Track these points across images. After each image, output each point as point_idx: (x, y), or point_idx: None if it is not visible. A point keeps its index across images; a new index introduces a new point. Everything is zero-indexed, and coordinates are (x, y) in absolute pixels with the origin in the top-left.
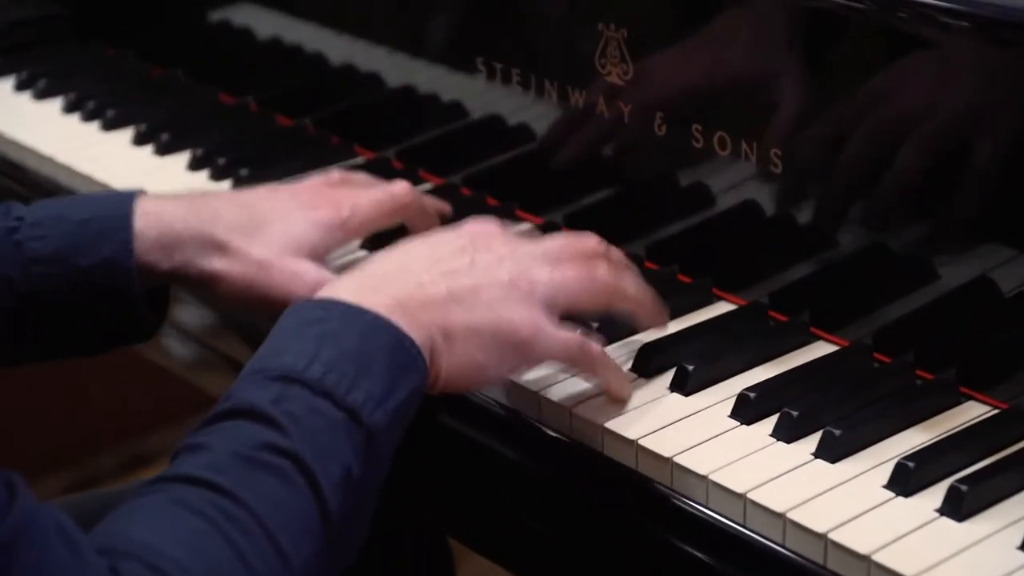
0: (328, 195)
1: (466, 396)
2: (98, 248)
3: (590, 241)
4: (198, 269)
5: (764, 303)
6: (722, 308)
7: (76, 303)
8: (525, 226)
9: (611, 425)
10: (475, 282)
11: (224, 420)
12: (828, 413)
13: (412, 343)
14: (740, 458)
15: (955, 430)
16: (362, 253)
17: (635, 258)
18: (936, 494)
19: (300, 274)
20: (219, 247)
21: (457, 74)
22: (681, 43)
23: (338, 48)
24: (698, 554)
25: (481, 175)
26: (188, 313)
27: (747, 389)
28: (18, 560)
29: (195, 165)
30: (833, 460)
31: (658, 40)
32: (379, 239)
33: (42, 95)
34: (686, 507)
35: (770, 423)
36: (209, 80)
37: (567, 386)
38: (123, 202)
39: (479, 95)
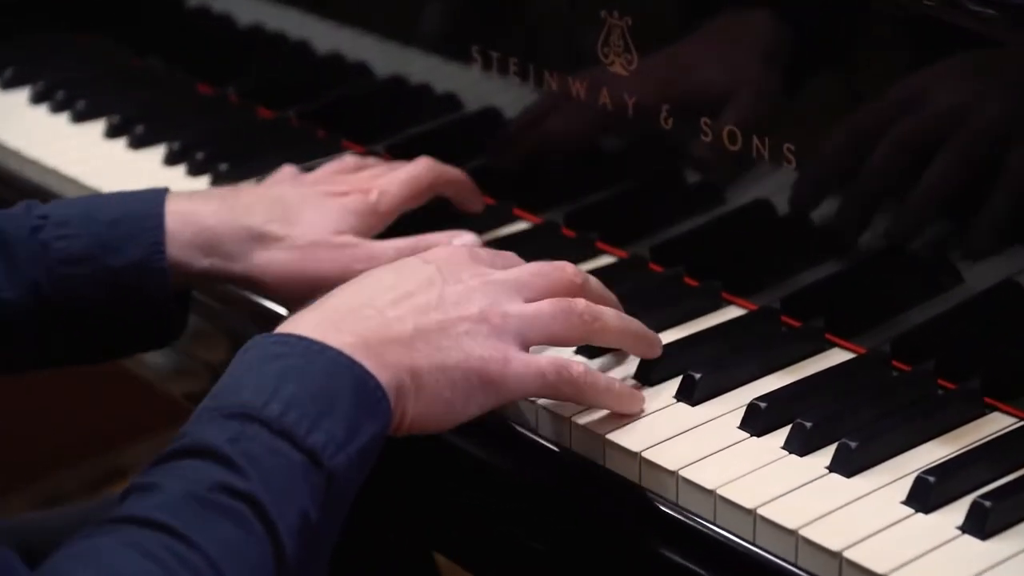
0: (351, 180)
1: None
2: (130, 248)
3: (566, 270)
4: (241, 264)
5: (776, 308)
6: (731, 313)
7: (105, 305)
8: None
9: (613, 436)
10: (444, 317)
11: (178, 459)
12: (844, 424)
13: (377, 384)
14: (750, 472)
15: (978, 443)
16: None
17: (639, 259)
18: (958, 511)
19: (351, 246)
20: (260, 239)
21: (451, 64)
22: (688, 31)
23: (324, 36)
24: (705, 574)
25: (476, 172)
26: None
27: (758, 399)
28: None
29: (171, 159)
30: (849, 474)
31: (664, 28)
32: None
33: (8, 85)
34: (692, 523)
35: (782, 435)
36: (187, 69)
37: None
38: (154, 200)
39: (474, 86)
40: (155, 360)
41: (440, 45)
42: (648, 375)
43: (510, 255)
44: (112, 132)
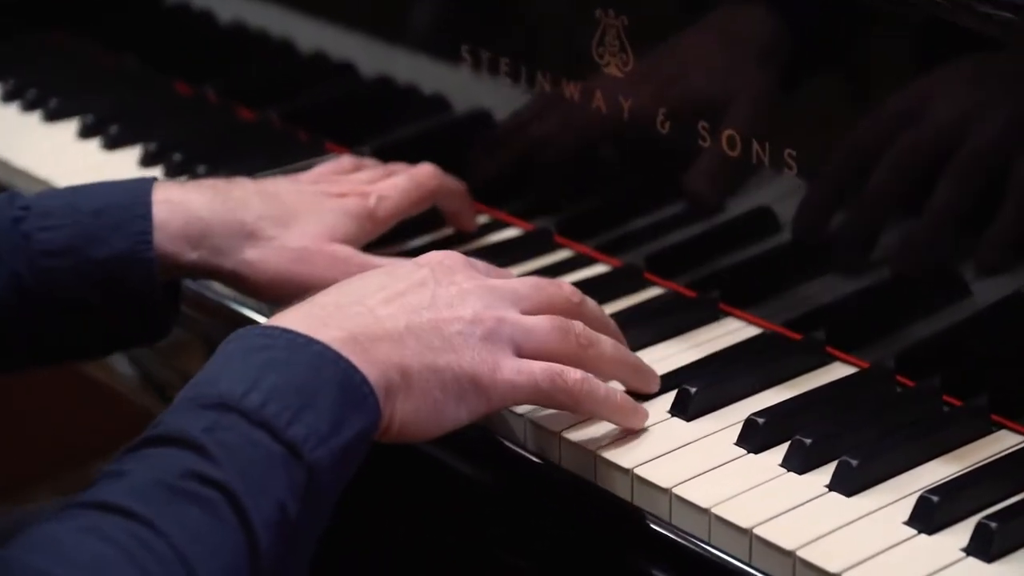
0: (350, 181)
1: None
2: (115, 239)
3: (564, 288)
4: (231, 259)
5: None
6: (730, 325)
7: (89, 299)
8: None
9: (604, 452)
10: (436, 317)
11: (150, 447)
12: (844, 441)
13: (364, 379)
14: (746, 490)
15: (985, 462)
16: None
17: (634, 269)
18: (963, 532)
19: (343, 258)
20: (252, 236)
21: (439, 64)
22: (686, 31)
23: (308, 34)
24: None
25: (464, 176)
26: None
27: (755, 414)
28: None
29: (147, 161)
30: (849, 493)
31: (661, 28)
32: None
33: None
34: (686, 543)
35: (780, 452)
36: (164, 67)
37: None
38: (140, 190)
39: (463, 87)
40: (128, 371)
41: (428, 44)
42: None
43: (506, 271)
44: (86, 132)
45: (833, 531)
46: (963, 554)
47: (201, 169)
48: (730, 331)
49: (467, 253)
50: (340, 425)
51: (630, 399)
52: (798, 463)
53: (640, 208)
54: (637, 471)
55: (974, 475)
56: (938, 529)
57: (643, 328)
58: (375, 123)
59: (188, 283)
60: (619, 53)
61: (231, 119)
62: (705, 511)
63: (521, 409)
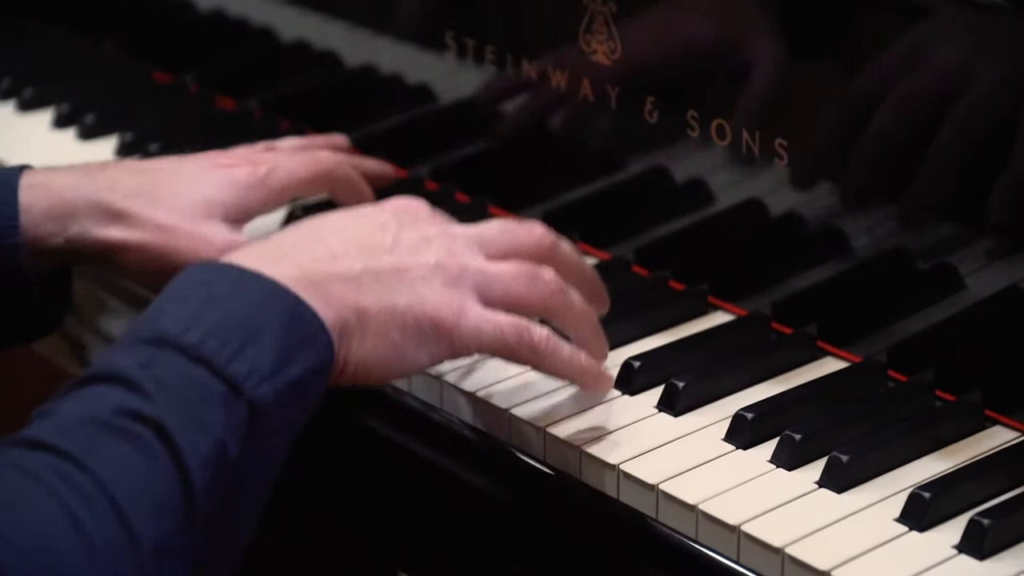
0: (247, 155)
1: (425, 413)
2: None
3: (535, 231)
4: (95, 239)
5: (766, 313)
6: (719, 318)
7: None
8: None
9: (590, 448)
10: (396, 260)
11: (84, 386)
12: (835, 437)
13: (315, 316)
14: (735, 486)
15: (978, 458)
16: None
17: (622, 261)
18: (955, 529)
19: (208, 237)
20: (117, 215)
21: (424, 52)
22: (674, 18)
23: (289, 21)
24: None
25: (450, 167)
26: (116, 323)
27: (744, 409)
28: None
29: (124, 151)
30: (839, 490)
31: (649, 14)
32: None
33: None
34: (673, 540)
35: (769, 447)
36: (142, 55)
37: (541, 403)
38: (6, 176)
39: (448, 76)
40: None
41: (412, 32)
42: (629, 383)
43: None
44: (60, 122)
45: (823, 528)
46: (955, 551)
47: None
48: (719, 325)
49: None
50: (286, 362)
51: (595, 363)
52: (787, 459)
53: (628, 198)
54: (623, 467)
55: (967, 471)
56: (930, 526)
57: (631, 321)
58: (358, 113)
59: None
60: (607, 41)
61: (211, 109)
62: (692, 508)
63: (504, 404)
